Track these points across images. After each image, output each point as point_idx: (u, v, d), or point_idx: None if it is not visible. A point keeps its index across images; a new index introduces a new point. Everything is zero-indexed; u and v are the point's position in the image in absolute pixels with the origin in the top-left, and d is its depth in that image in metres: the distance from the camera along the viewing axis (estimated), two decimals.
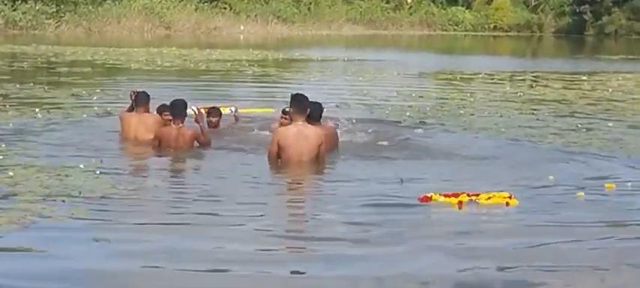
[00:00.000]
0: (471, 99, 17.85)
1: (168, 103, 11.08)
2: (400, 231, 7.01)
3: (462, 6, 69.92)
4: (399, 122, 13.73)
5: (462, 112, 15.38)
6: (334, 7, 65.04)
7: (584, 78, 24.03)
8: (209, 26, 54.10)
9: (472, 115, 14.99)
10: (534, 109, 15.98)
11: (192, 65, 26.86)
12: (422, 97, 18.36)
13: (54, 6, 48.45)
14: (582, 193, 8.40)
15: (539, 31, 67.58)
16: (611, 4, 63.93)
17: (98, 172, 8.95)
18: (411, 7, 68.92)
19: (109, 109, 14.37)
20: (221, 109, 12.32)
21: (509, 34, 66.07)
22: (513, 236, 7.02)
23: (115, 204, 7.75)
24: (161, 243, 6.58)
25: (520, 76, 25.33)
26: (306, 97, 9.82)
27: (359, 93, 18.72)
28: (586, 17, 65.01)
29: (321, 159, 9.70)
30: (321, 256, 6.39)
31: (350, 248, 6.52)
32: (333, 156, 10.21)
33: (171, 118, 10.75)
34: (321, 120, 10.44)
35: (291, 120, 9.80)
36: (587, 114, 15.39)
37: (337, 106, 15.00)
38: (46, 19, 48.08)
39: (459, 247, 6.65)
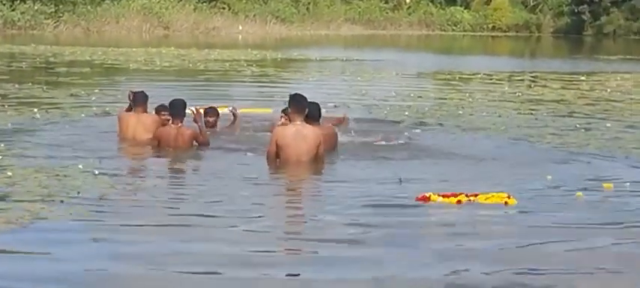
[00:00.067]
0: (470, 99, 17.84)
1: (166, 103, 11.08)
2: (398, 232, 7.01)
3: (461, 6, 69.87)
4: (398, 122, 13.74)
5: (460, 112, 15.39)
6: (333, 7, 65.00)
7: (583, 78, 24.03)
8: (207, 26, 54.06)
9: (471, 115, 15.00)
10: (533, 110, 15.98)
11: (190, 65, 26.85)
12: (420, 97, 18.36)
13: (52, 6, 48.41)
14: (581, 194, 8.40)
15: (538, 32, 67.54)
16: (609, 5, 63.90)
17: (97, 172, 8.95)
18: (409, 7, 68.89)
19: (107, 109, 14.37)
20: (219, 108, 12.31)
21: (507, 34, 66.04)
22: (512, 237, 7.02)
23: (113, 204, 7.75)
24: (159, 244, 6.58)
25: (519, 76, 25.32)
26: (305, 97, 9.82)
27: (357, 93, 18.72)
28: (584, 17, 64.98)
29: (319, 159, 9.70)
30: (318, 257, 6.39)
31: (348, 249, 6.52)
32: (331, 156, 10.21)
33: (169, 117, 10.75)
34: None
35: (290, 120, 9.80)
36: (585, 114, 15.39)
37: (336, 106, 15.01)
38: (45, 19, 48.03)
39: (458, 247, 6.65)
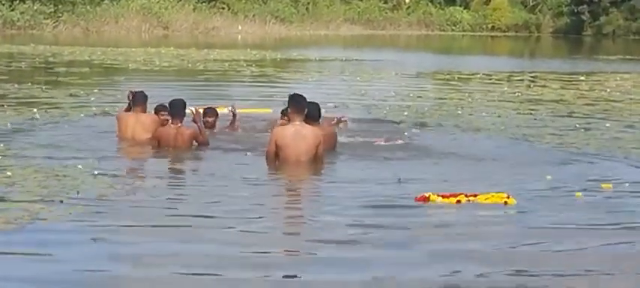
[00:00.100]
0: (469, 99, 17.84)
1: (165, 103, 11.08)
2: (398, 232, 7.00)
3: (460, 6, 69.88)
4: (397, 122, 13.73)
5: (459, 112, 15.38)
6: (332, 7, 65.01)
7: (582, 78, 24.04)
8: (207, 26, 54.06)
9: (470, 115, 15.00)
10: (532, 110, 15.98)
11: (189, 65, 26.85)
12: (420, 97, 18.36)
13: (52, 6, 48.42)
14: (581, 194, 8.40)
15: (537, 32, 67.55)
16: (608, 5, 63.92)
17: (96, 172, 8.94)
18: (409, 7, 68.90)
19: (106, 109, 14.36)
20: (218, 109, 12.31)
21: (507, 34, 66.05)
22: (512, 237, 7.01)
23: (112, 204, 7.74)
24: (158, 244, 6.58)
25: (518, 76, 25.33)
26: (304, 97, 9.82)
27: (357, 93, 18.72)
28: (584, 17, 64.99)
29: (319, 159, 9.69)
30: (318, 258, 6.38)
31: (347, 250, 6.51)
32: (331, 156, 10.20)
33: (168, 117, 10.75)
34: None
35: (289, 120, 9.80)
36: (585, 114, 15.39)
37: (335, 107, 15.00)
38: (44, 19, 48.05)
39: (458, 248, 6.64)
